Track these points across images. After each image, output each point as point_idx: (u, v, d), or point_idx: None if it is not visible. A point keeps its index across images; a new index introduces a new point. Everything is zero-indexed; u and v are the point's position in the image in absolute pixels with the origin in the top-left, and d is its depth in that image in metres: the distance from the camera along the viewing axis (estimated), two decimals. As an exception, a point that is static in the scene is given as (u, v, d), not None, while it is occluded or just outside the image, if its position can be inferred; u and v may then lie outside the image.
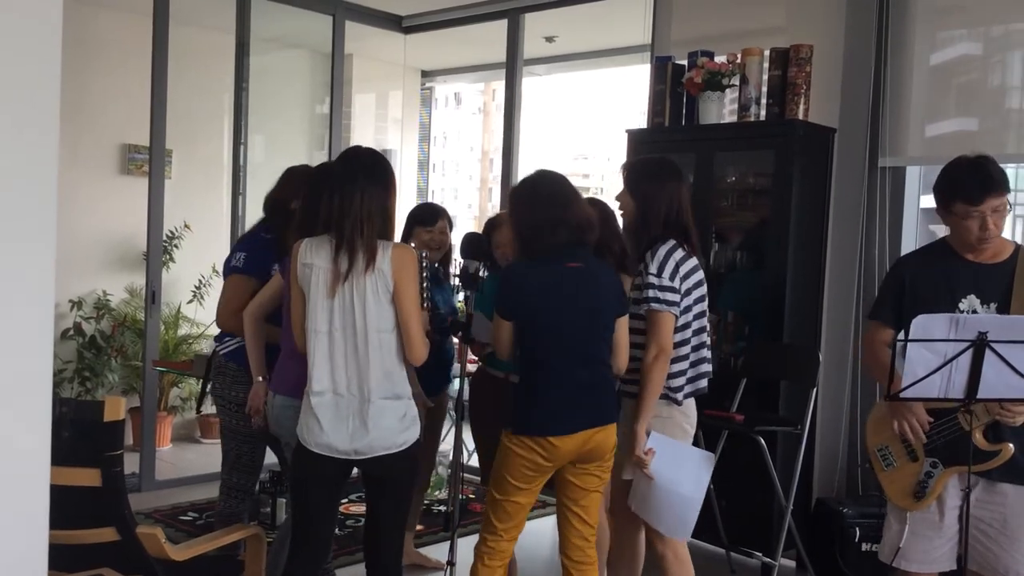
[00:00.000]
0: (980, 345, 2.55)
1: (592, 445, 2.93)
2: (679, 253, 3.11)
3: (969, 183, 2.84)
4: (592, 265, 2.98)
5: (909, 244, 4.33)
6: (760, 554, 4.15)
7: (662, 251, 3.09)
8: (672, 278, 3.06)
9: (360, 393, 2.75)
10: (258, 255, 3.33)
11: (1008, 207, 2.88)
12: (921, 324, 2.59)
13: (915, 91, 4.30)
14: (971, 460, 2.77)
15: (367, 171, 2.83)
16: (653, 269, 3.06)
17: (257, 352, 3.23)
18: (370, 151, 2.96)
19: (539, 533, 4.59)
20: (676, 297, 3.06)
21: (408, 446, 2.83)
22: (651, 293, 3.05)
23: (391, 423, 2.78)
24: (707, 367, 3.22)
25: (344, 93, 6.48)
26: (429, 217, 4.01)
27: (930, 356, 2.60)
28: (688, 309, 3.12)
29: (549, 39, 6.31)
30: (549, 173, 3.06)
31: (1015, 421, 2.77)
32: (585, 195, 3.30)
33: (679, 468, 3.08)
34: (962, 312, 2.90)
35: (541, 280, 2.92)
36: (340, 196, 2.77)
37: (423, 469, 4.20)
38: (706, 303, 3.21)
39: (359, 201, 2.76)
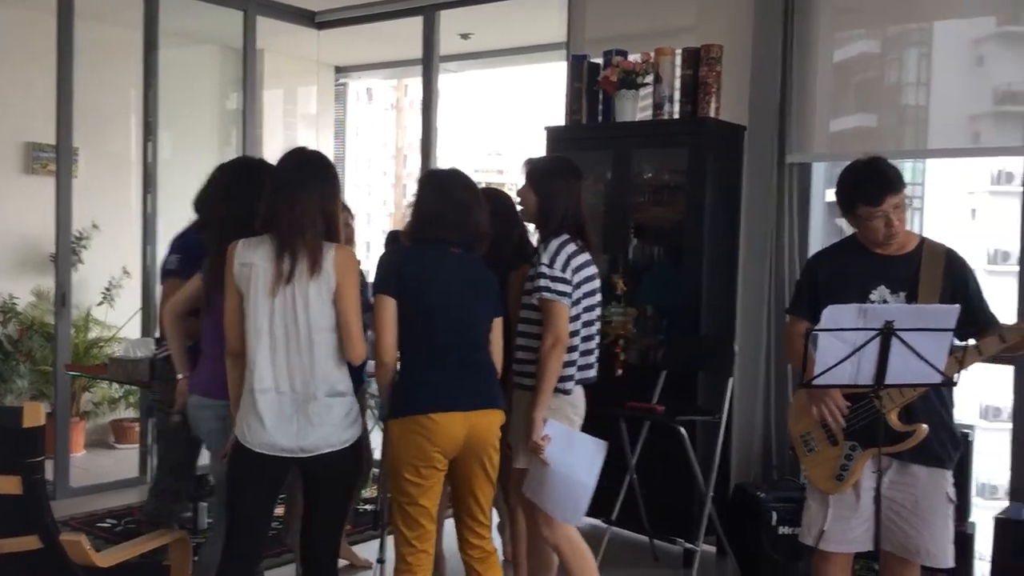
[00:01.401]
0: (886, 333, 2.68)
1: (477, 430, 2.94)
2: (571, 247, 3.21)
3: (867, 186, 2.98)
4: (475, 259, 3.07)
5: (816, 237, 4.50)
6: (682, 540, 4.27)
7: (555, 244, 3.20)
8: (564, 270, 3.17)
9: (304, 391, 2.76)
10: (192, 256, 3.28)
11: (906, 202, 3.04)
12: (831, 314, 2.70)
13: (819, 89, 4.47)
14: (886, 441, 2.89)
15: (312, 173, 2.83)
16: (545, 260, 3.17)
17: (178, 350, 3.20)
18: (315, 152, 2.96)
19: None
20: (568, 288, 3.16)
21: (352, 443, 2.85)
22: (543, 283, 3.14)
23: (336, 420, 2.80)
24: (593, 359, 3.32)
25: (256, 89, 6.39)
26: None
27: (840, 345, 2.72)
28: (578, 302, 3.21)
29: (464, 36, 6.33)
30: (462, 174, 3.16)
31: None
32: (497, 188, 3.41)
33: (573, 455, 3.17)
34: (873, 302, 3.04)
35: (425, 260, 3.00)
36: (284, 197, 2.76)
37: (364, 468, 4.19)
38: (597, 298, 3.31)
39: (303, 203, 2.76)
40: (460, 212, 3.02)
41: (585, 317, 3.25)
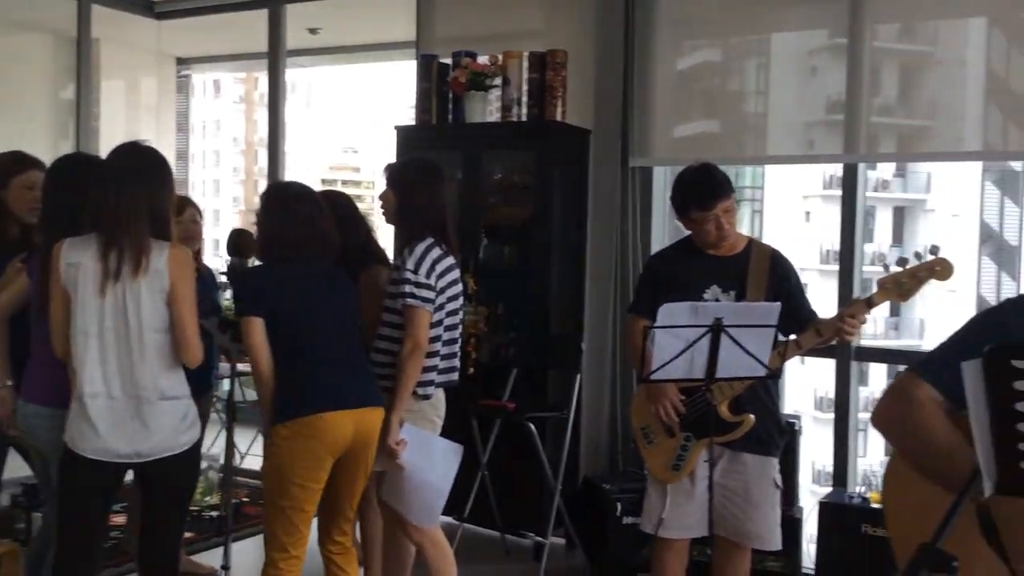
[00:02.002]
0: (717, 329, 2.83)
1: (364, 427, 2.98)
2: (436, 251, 3.21)
3: (699, 192, 3.16)
4: (329, 266, 3.11)
5: (658, 238, 4.68)
6: (533, 534, 4.35)
7: (420, 248, 3.19)
8: (428, 275, 3.16)
9: (138, 395, 2.68)
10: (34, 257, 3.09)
11: (736, 205, 3.22)
12: (666, 312, 2.84)
13: (660, 96, 4.63)
14: (718, 432, 3.06)
15: (139, 168, 2.75)
16: (410, 266, 3.15)
17: (1, 357, 3.03)
18: (146, 147, 2.87)
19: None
20: (432, 295, 3.17)
21: (190, 447, 2.79)
22: (407, 289, 3.14)
23: (173, 423, 2.74)
24: (456, 362, 3.36)
25: (92, 80, 6.10)
26: (175, 208, 3.88)
27: (675, 341, 2.85)
28: (441, 307, 3.23)
29: (312, 31, 6.23)
30: (304, 188, 3.19)
31: (852, 335, 3.07)
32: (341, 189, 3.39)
33: (429, 458, 3.21)
34: (706, 301, 3.20)
35: (283, 275, 3.02)
36: (109, 193, 2.68)
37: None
38: (460, 302, 3.34)
39: (128, 199, 2.68)
40: (307, 228, 3.03)
41: (448, 322, 3.27)
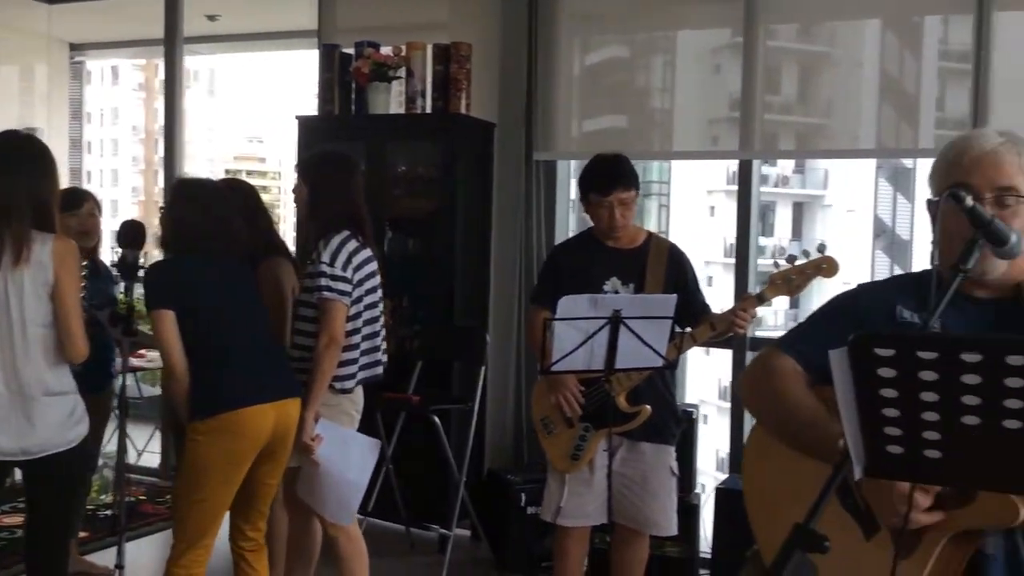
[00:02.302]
0: (615, 321, 2.89)
1: (283, 419, 2.95)
2: (352, 244, 3.17)
3: (601, 176, 3.22)
4: (236, 260, 3.08)
5: (563, 231, 4.73)
6: (438, 527, 4.36)
7: (335, 241, 3.14)
8: (345, 268, 3.12)
9: (21, 390, 2.60)
10: None
11: (636, 200, 3.28)
12: (566, 304, 2.88)
13: (564, 90, 4.67)
14: (616, 421, 3.13)
15: (17, 158, 2.66)
16: (326, 258, 3.11)
17: None
18: (26, 136, 2.79)
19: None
20: (348, 287, 3.13)
21: (77, 443, 2.72)
22: (323, 282, 3.09)
23: (59, 419, 2.66)
24: (380, 356, 3.32)
25: (-23, 65, 5.83)
26: (73, 201, 3.76)
27: (575, 333, 2.90)
28: (359, 300, 3.19)
29: (211, 17, 6.08)
30: (213, 183, 3.19)
31: (744, 329, 3.15)
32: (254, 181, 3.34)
33: (345, 454, 3.18)
34: (606, 292, 3.26)
35: (193, 268, 2.97)
36: None
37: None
38: (379, 294, 3.31)
39: (5, 189, 2.60)
40: (218, 222, 2.99)
41: (367, 315, 3.23)
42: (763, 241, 21.92)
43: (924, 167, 1.85)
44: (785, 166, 22.03)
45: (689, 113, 4.55)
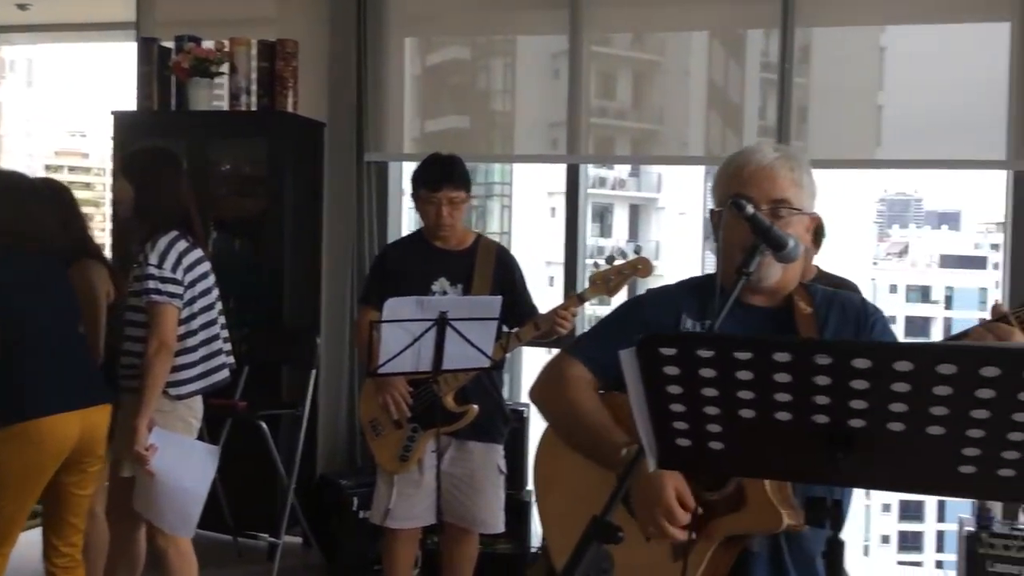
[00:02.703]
0: (442, 323, 2.91)
1: (91, 428, 2.85)
2: (182, 244, 3.07)
3: (432, 173, 3.25)
4: (49, 260, 2.96)
5: (395, 232, 4.71)
6: (267, 535, 4.26)
7: (163, 242, 3.03)
8: (175, 270, 3.02)
9: None
10: None
11: (464, 202, 3.32)
12: (392, 306, 2.88)
13: (395, 91, 4.66)
14: (444, 422, 3.15)
15: None
16: (154, 260, 2.99)
17: None
18: None
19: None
20: (179, 289, 3.02)
21: None
22: (152, 284, 2.98)
23: None
24: (223, 359, 3.23)
25: None
26: None
27: (402, 334, 2.90)
28: (192, 301, 3.09)
29: (22, 6, 5.71)
30: (25, 177, 3.07)
31: (566, 329, 3.19)
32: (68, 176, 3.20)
33: (183, 463, 3.07)
34: (435, 293, 3.28)
35: (9, 267, 2.84)
36: None
37: None
38: (214, 296, 3.20)
39: None
40: (31, 221, 2.86)
41: (203, 318, 3.12)
42: (602, 242, 22.57)
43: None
44: (622, 170, 22.76)
45: (529, 116, 4.63)
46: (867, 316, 1.75)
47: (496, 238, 3.91)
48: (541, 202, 22.04)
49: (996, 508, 3.65)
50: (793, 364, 1.20)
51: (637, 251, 3.22)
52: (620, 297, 3.19)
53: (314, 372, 4.21)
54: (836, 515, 1.32)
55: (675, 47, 4.52)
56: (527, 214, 21.22)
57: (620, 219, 24.60)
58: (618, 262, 3.17)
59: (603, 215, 24.13)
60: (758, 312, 1.76)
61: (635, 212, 24.84)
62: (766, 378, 1.23)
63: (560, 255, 4.47)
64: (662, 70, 4.61)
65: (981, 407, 1.15)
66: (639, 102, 4.70)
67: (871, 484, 1.44)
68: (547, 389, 1.88)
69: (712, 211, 1.78)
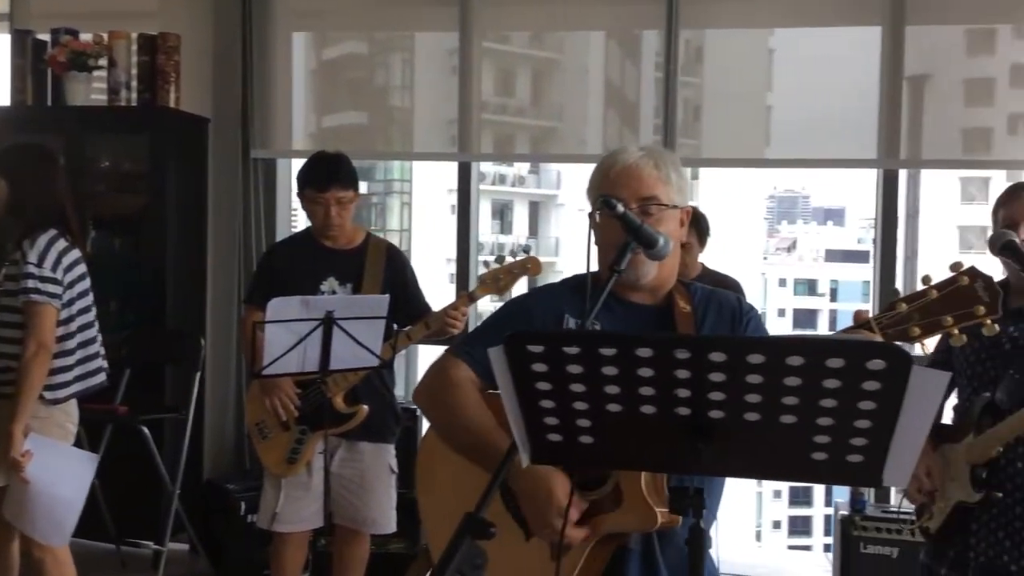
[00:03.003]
0: (328, 322, 2.88)
1: None
2: (61, 243, 2.98)
3: (319, 173, 3.21)
4: None
5: (284, 231, 4.64)
6: (151, 543, 4.14)
7: (43, 240, 2.93)
8: (55, 269, 2.93)
9: None
10: None
11: (353, 201, 3.28)
12: (276, 306, 2.84)
13: (282, 87, 4.58)
14: (333, 423, 3.12)
15: None
16: (33, 259, 2.90)
17: None
18: None
19: None
20: (59, 289, 2.93)
21: None
22: (31, 284, 2.88)
23: None
24: (100, 362, 3.14)
25: None
26: None
27: (287, 335, 2.87)
28: (71, 302, 3.00)
29: None
30: None
31: (457, 327, 3.16)
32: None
33: (59, 471, 2.97)
34: (323, 293, 3.24)
35: None
36: None
37: None
38: (91, 298, 3.11)
39: None
40: None
41: (81, 320, 3.03)
42: (502, 239, 22.65)
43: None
44: (522, 167, 22.87)
45: (427, 113, 4.60)
46: (742, 315, 1.80)
47: (396, 235, 3.91)
48: (441, 199, 22.01)
49: (870, 492, 3.83)
50: (655, 359, 1.23)
51: (527, 250, 3.24)
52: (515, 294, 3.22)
53: (199, 374, 4.11)
54: (698, 503, 1.36)
55: (573, 45, 4.56)
56: (427, 211, 21.13)
57: (520, 216, 24.70)
58: (508, 261, 3.18)
59: (503, 212, 24.21)
60: (639, 309, 1.80)
61: (535, 209, 24.98)
62: (630, 373, 1.26)
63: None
64: (561, 68, 4.64)
65: (829, 396, 1.21)
66: (538, 100, 4.73)
67: (731, 472, 1.49)
68: (431, 392, 1.87)
69: (589, 214, 1.81)
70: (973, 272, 1.49)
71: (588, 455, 1.41)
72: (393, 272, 3.34)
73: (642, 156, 1.75)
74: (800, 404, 1.23)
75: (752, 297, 2.36)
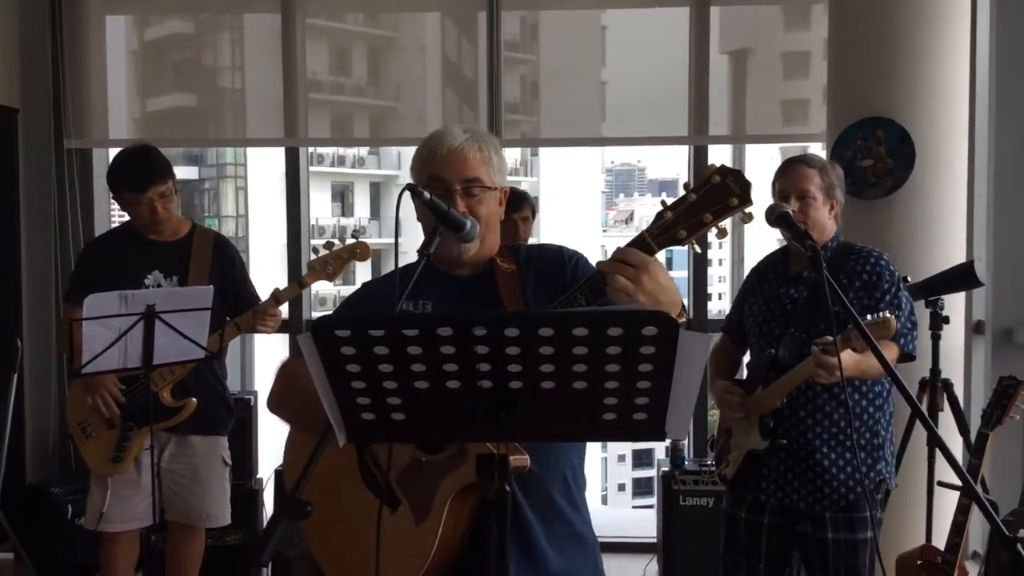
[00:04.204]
0: (149, 317, 2.82)
1: None
2: None
3: (132, 174, 3.11)
4: None
5: (103, 223, 4.48)
6: (-28, 555, 3.94)
7: None
8: None
9: None
10: None
11: (173, 191, 3.21)
12: (93, 303, 2.77)
13: (95, 73, 4.40)
14: (161, 418, 3.07)
15: None
16: None
17: None
18: None
19: None
20: None
21: None
22: None
23: None
24: None
25: None
26: None
27: (105, 331, 2.79)
28: None
29: None
30: None
31: (269, 328, 3.12)
32: None
33: None
34: (148, 286, 3.16)
35: None
36: None
37: None
38: None
39: None
40: None
41: None
42: (343, 221, 22.27)
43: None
44: (362, 148, 22.56)
45: (257, 96, 4.50)
46: (566, 260, 1.87)
47: (232, 221, 3.82)
48: (277, 183, 21.39)
49: (689, 449, 4.09)
50: (455, 337, 1.31)
51: (355, 235, 3.25)
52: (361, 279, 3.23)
53: (15, 376, 3.92)
54: (503, 468, 1.45)
55: (409, 23, 4.55)
56: (263, 195, 20.56)
57: (361, 197, 24.39)
58: (336, 247, 3.19)
59: (344, 194, 23.84)
60: (458, 281, 1.86)
61: (376, 190, 24.72)
62: (433, 351, 1.34)
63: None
64: (397, 46, 4.62)
65: (612, 362, 1.32)
66: (375, 79, 4.68)
67: (535, 437, 1.60)
68: (279, 393, 1.90)
69: (400, 192, 1.85)
70: (724, 170, 1.57)
71: (402, 431, 1.48)
72: (220, 263, 3.29)
73: (467, 139, 1.81)
74: (589, 371, 1.34)
75: (593, 268, 2.46)
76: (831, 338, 2.19)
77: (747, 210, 1.57)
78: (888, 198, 3.42)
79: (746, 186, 1.56)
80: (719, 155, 4.65)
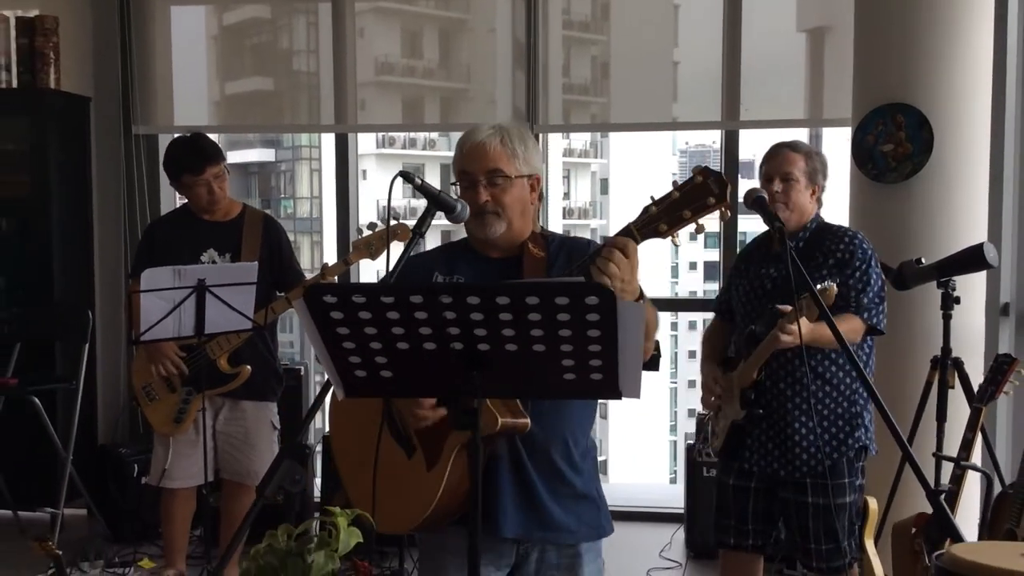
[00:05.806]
0: (201, 290, 3.09)
1: None
2: None
3: (189, 158, 3.39)
4: None
5: (168, 204, 4.78)
6: (49, 508, 4.30)
7: None
8: None
9: None
10: None
11: (226, 173, 3.48)
12: (148, 277, 3.05)
13: (161, 62, 4.70)
14: (217, 383, 3.35)
15: None
16: None
17: None
18: None
19: None
20: None
21: None
22: None
23: None
24: None
25: None
26: None
27: (161, 303, 3.07)
28: None
29: None
30: None
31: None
32: None
33: None
34: (204, 263, 3.44)
35: None
36: None
37: None
38: None
39: None
40: None
41: None
42: (414, 203, 22.64)
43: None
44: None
45: (326, 81, 4.60)
46: (589, 248, 2.02)
47: (306, 203, 4.04)
48: (351, 165, 21.72)
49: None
50: (424, 304, 1.51)
51: (396, 218, 3.45)
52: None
53: (87, 346, 4.26)
54: (474, 419, 1.64)
55: (480, 5, 4.53)
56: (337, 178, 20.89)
57: (432, 179, 24.60)
58: (379, 228, 3.39)
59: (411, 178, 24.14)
60: (494, 262, 2.05)
61: (446, 171, 24.92)
62: (408, 316, 1.53)
63: (372, 217, 4.57)
64: (468, 28, 4.66)
65: (564, 327, 1.50)
66: (446, 61, 4.74)
67: (506, 394, 1.79)
68: None
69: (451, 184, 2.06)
70: (706, 171, 1.72)
71: (391, 387, 1.69)
72: (269, 241, 3.54)
73: (491, 134, 2.00)
74: (544, 335, 1.52)
75: (663, 253, 2.61)
76: (788, 307, 2.34)
77: (723, 208, 1.73)
78: (907, 182, 3.48)
79: (723, 187, 1.72)
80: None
